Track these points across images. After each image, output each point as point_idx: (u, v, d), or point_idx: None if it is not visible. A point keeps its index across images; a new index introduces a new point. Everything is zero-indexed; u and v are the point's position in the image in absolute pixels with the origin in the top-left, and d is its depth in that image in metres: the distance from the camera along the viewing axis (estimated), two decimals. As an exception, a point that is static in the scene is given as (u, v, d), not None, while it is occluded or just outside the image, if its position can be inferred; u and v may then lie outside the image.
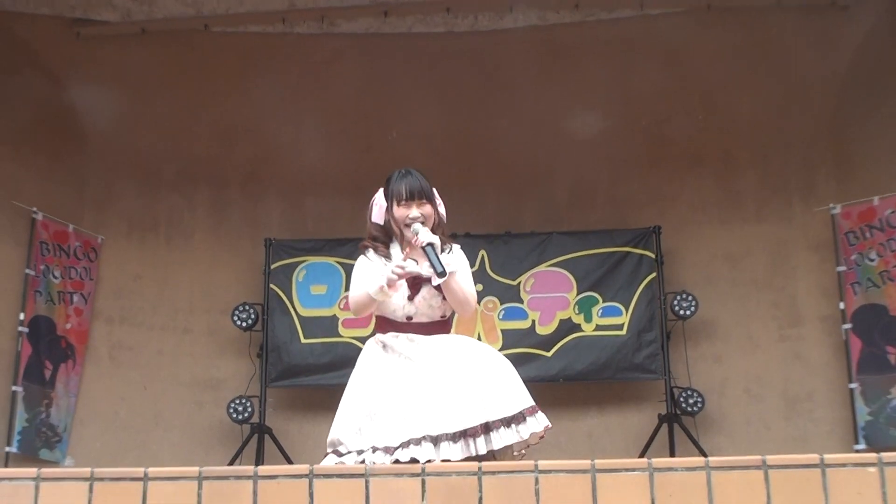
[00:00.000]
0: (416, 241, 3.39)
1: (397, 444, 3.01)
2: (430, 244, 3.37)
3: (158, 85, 8.49)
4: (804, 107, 8.41)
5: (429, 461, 2.89)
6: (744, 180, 8.63)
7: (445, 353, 3.36)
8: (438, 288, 3.44)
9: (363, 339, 7.95)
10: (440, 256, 3.37)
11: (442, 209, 3.60)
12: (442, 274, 3.33)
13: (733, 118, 8.58)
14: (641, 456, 7.52)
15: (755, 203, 8.56)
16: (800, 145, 8.47)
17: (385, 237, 3.56)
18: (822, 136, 8.40)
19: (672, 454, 7.60)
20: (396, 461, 2.88)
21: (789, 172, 8.49)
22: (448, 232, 3.58)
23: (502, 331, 8.28)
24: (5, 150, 7.89)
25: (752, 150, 8.62)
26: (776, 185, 8.53)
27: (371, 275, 3.41)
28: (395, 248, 3.53)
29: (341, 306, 8.35)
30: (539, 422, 3.29)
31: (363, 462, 3.02)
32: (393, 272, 3.33)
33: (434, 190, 3.60)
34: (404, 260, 3.39)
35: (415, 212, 3.47)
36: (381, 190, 3.61)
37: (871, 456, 2.73)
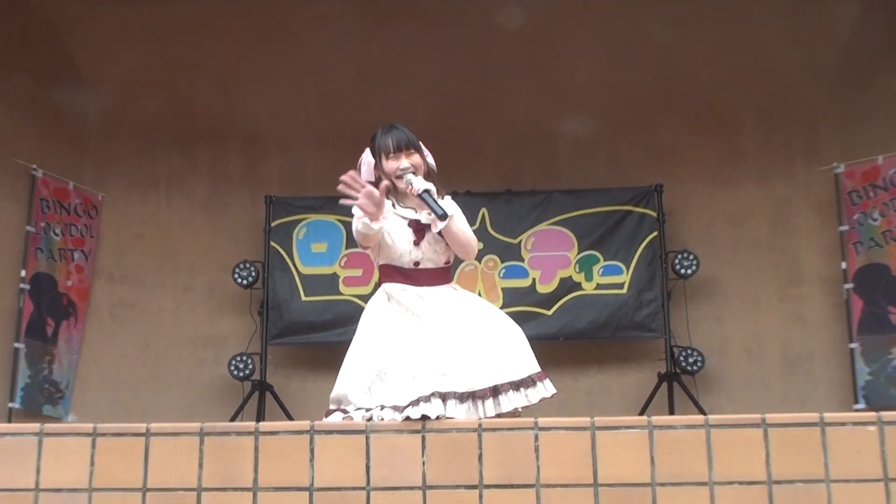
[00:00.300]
0: (411, 190, 3.37)
1: (406, 403, 3.00)
2: (427, 191, 3.36)
3: (159, 42, 8.42)
4: (808, 65, 8.35)
5: (439, 418, 2.89)
6: (746, 139, 8.59)
7: (456, 312, 3.35)
8: (440, 234, 3.42)
9: (364, 297, 8.05)
10: (437, 202, 3.36)
11: (430, 158, 3.58)
12: (443, 217, 3.33)
13: (736, 77, 8.52)
14: (641, 414, 7.55)
15: (757, 162, 8.52)
16: (803, 104, 8.42)
17: None
18: (825, 94, 8.35)
19: (671, 413, 7.62)
20: (407, 418, 2.88)
21: (792, 131, 8.45)
22: (439, 181, 3.54)
23: (503, 289, 8.28)
24: (5, 108, 7.85)
25: (755, 108, 8.57)
26: (779, 144, 8.49)
27: None
28: (387, 204, 3.48)
29: (342, 264, 8.36)
30: (546, 388, 3.31)
31: (371, 419, 3.02)
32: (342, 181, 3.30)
33: (420, 142, 3.57)
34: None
35: (405, 162, 3.45)
36: (368, 149, 3.58)
37: (871, 415, 2.75)
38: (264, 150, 8.88)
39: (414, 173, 3.45)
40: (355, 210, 3.37)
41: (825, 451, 2.70)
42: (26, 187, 7.91)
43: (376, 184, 3.38)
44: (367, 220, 3.29)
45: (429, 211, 3.38)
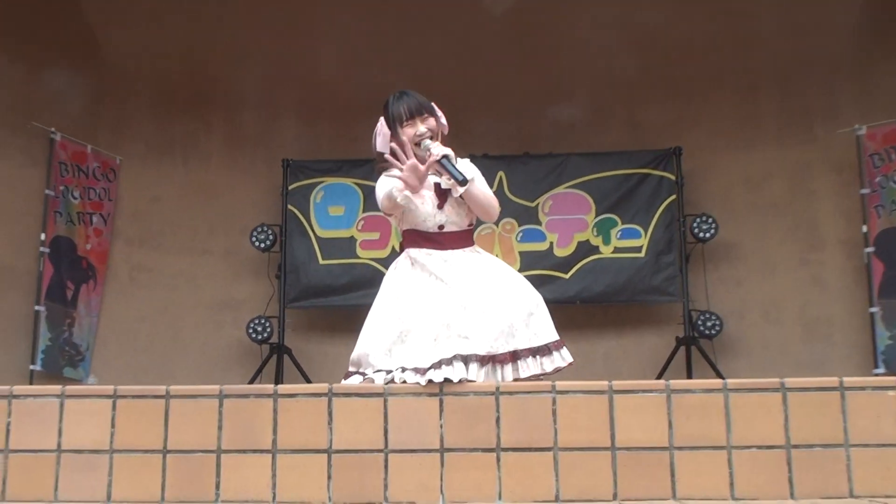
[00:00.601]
0: (429, 155, 3.36)
1: (428, 365, 3.00)
2: (445, 156, 3.36)
3: (174, 5, 8.39)
4: (827, 25, 8.23)
5: (461, 381, 2.89)
6: (765, 101, 8.51)
7: (479, 276, 3.35)
8: (461, 198, 3.42)
9: (381, 261, 8.04)
10: (456, 166, 3.35)
11: (443, 120, 3.56)
12: (463, 182, 3.33)
13: (755, 38, 8.44)
14: (658, 378, 7.55)
15: (776, 125, 8.45)
16: (823, 66, 8.32)
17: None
18: (845, 55, 8.25)
19: (689, 377, 7.62)
20: (430, 381, 2.88)
21: (811, 93, 8.36)
22: (456, 144, 3.53)
23: (520, 253, 8.27)
24: (23, 71, 7.86)
25: (774, 70, 8.48)
26: (798, 107, 8.41)
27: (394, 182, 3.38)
28: None
29: (359, 227, 8.36)
30: (563, 357, 3.32)
31: (392, 382, 3.02)
32: (392, 155, 3.33)
33: (433, 104, 3.55)
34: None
35: (421, 128, 3.44)
36: (382, 118, 3.56)
37: (891, 379, 2.73)
38: (280, 113, 8.87)
39: (431, 138, 3.44)
40: (387, 181, 3.37)
41: (844, 415, 2.69)
42: (45, 151, 7.93)
43: (395, 155, 3.37)
44: (408, 192, 3.31)
45: (448, 176, 3.37)
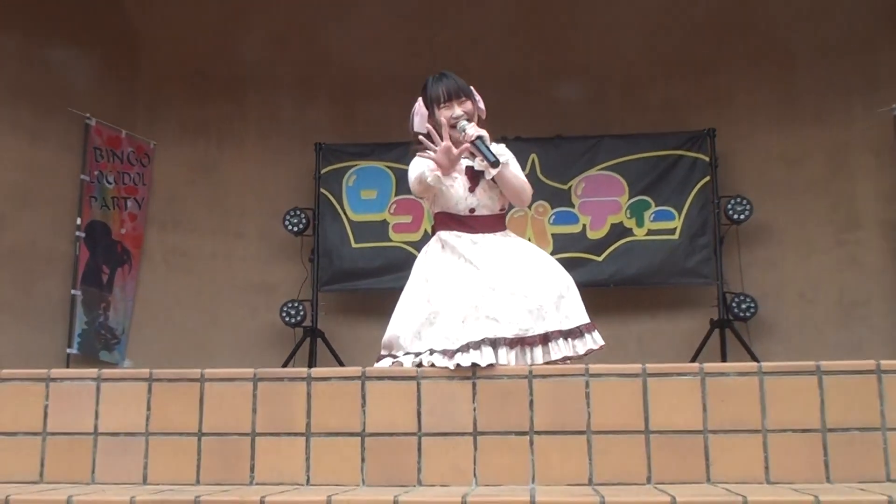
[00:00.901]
0: (465, 137, 3.37)
1: (456, 348, 3.00)
2: (480, 137, 3.37)
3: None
4: (868, 1, 8.11)
5: (490, 365, 2.88)
6: (802, 80, 8.40)
7: (508, 259, 3.34)
8: (493, 180, 3.42)
9: (413, 244, 8.04)
10: (490, 148, 3.35)
11: (481, 104, 3.56)
12: (496, 164, 3.34)
13: (792, 15, 8.33)
14: (692, 361, 7.51)
15: (814, 104, 8.34)
16: (862, 43, 8.19)
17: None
18: (885, 33, 8.12)
19: (724, 360, 7.58)
20: (457, 365, 2.88)
21: (850, 72, 8.23)
22: (489, 127, 3.53)
23: (553, 235, 8.25)
24: (59, 57, 7.93)
25: (812, 48, 8.36)
26: (836, 86, 8.29)
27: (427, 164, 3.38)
28: None
29: (391, 211, 8.37)
30: (595, 340, 3.31)
31: (420, 364, 3.02)
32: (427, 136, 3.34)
33: (471, 87, 3.55)
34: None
35: (457, 111, 3.45)
36: (420, 99, 3.57)
37: (930, 362, 2.70)
38: (314, 97, 8.88)
39: (468, 121, 3.44)
40: (420, 162, 3.38)
41: (881, 399, 2.66)
42: (80, 136, 8.00)
43: (429, 136, 3.37)
44: (439, 173, 3.31)
45: (482, 158, 3.37)
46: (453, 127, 3.42)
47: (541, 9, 8.48)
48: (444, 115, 3.45)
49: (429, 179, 3.31)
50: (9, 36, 7.57)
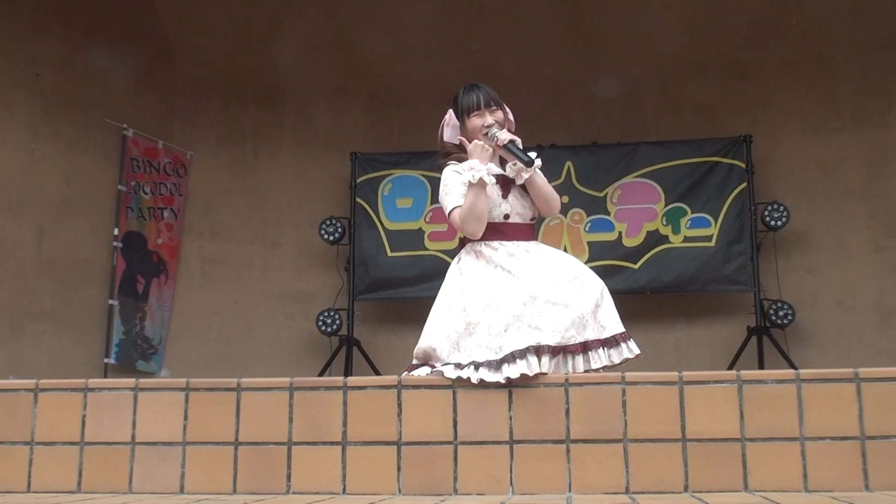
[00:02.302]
0: (497, 142, 3.39)
1: (500, 358, 2.98)
2: (512, 141, 3.40)
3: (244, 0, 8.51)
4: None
5: (536, 375, 2.87)
6: (839, 85, 8.32)
7: (546, 268, 3.33)
8: (524, 188, 3.44)
9: (449, 253, 8.04)
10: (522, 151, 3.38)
11: (511, 116, 3.58)
12: (530, 163, 3.36)
13: (829, 19, 8.25)
14: (730, 369, 7.45)
15: (851, 108, 8.26)
16: (900, 47, 8.13)
17: (461, 154, 3.55)
18: (924, 36, 8.04)
19: (761, 367, 7.51)
20: (508, 378, 2.86)
21: (888, 75, 8.14)
22: (521, 135, 3.54)
23: (588, 243, 8.21)
24: (97, 68, 8.01)
25: (849, 52, 8.28)
26: (874, 90, 8.20)
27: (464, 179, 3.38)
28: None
29: (427, 219, 8.38)
30: (630, 349, 3.29)
31: (468, 380, 2.97)
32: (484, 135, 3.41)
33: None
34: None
35: (489, 119, 3.49)
36: (451, 109, 3.59)
37: (971, 369, 2.66)
38: (349, 106, 8.92)
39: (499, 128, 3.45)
40: (455, 180, 3.40)
41: (922, 406, 2.63)
42: (117, 147, 8.08)
43: (460, 145, 3.39)
44: (483, 173, 3.31)
45: (514, 161, 3.39)
46: (485, 135, 3.44)
47: (576, 16, 8.47)
48: (475, 123, 3.48)
49: (482, 177, 3.30)
50: (48, 46, 7.67)
